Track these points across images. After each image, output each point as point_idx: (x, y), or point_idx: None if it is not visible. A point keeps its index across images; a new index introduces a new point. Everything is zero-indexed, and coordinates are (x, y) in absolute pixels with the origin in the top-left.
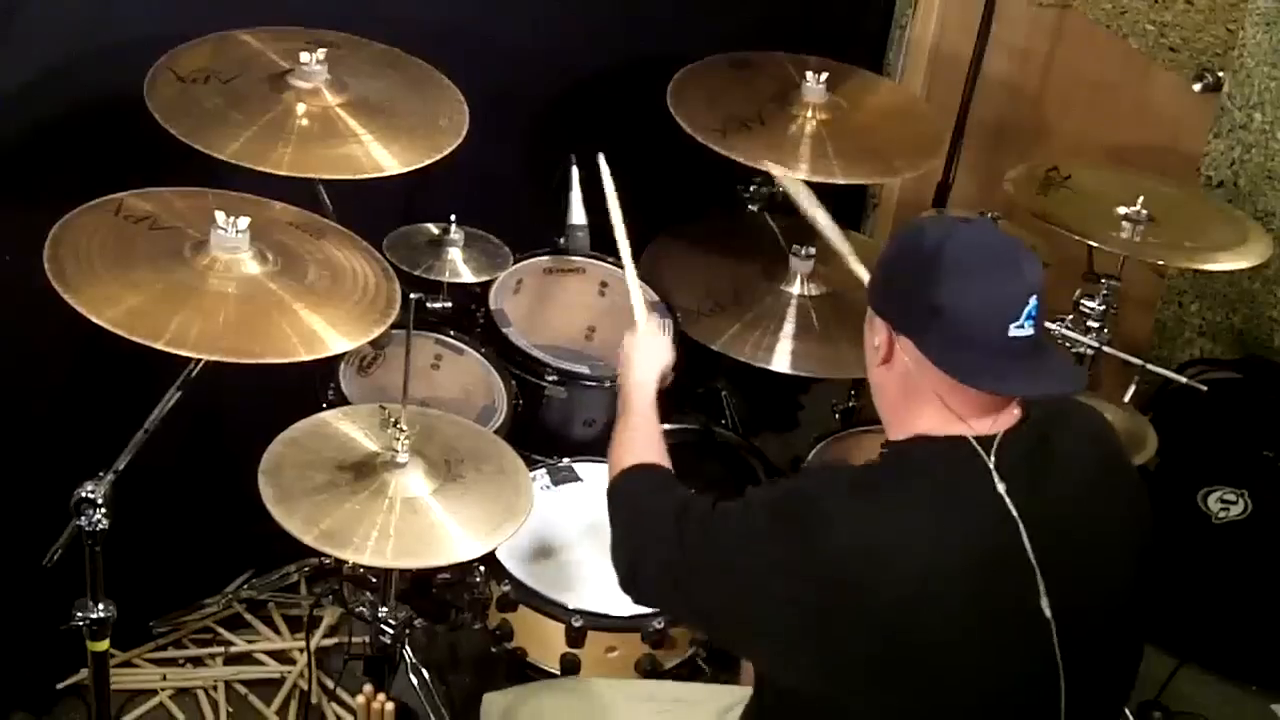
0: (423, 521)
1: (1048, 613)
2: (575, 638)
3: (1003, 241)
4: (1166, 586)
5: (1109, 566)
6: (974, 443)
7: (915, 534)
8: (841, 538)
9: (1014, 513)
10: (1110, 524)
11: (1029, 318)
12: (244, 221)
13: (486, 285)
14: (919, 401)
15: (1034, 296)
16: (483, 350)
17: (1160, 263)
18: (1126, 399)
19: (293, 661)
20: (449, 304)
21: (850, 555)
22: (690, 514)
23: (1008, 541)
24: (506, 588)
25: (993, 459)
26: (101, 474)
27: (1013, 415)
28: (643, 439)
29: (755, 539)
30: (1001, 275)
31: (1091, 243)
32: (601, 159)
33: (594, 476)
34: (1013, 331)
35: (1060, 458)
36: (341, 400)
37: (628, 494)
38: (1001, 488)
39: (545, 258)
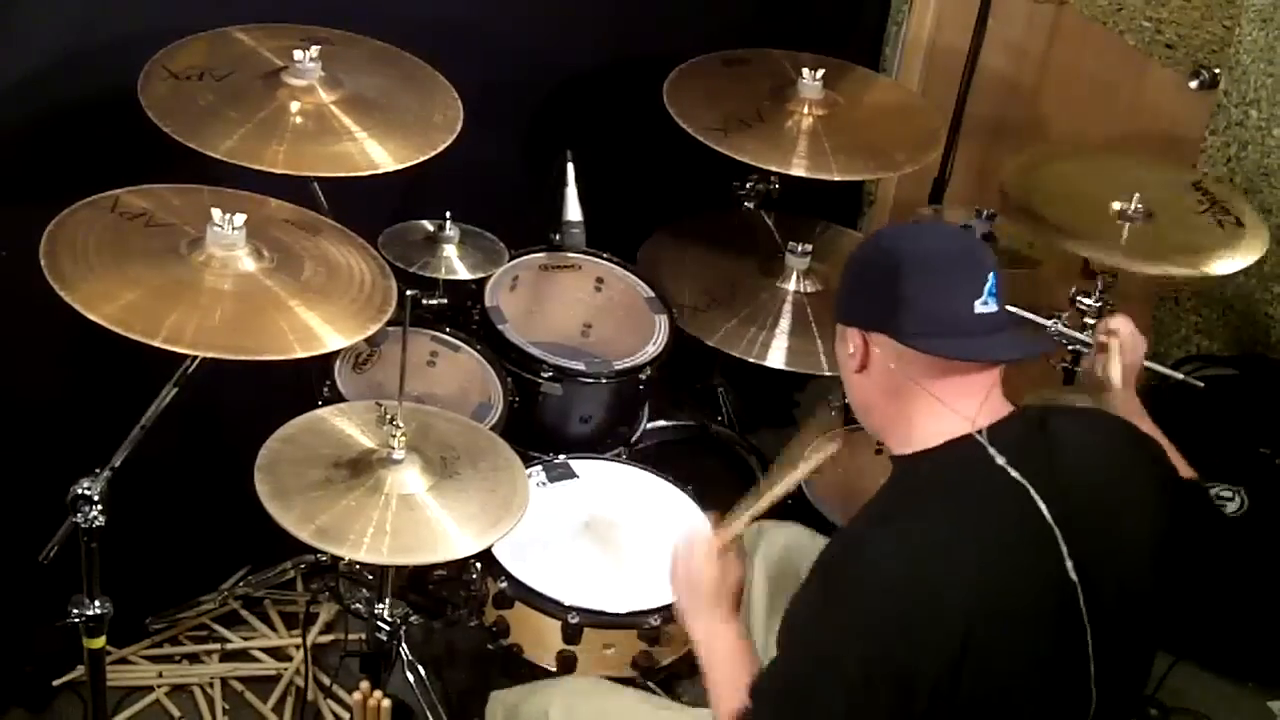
0: (419, 518)
1: (1073, 575)
2: (571, 634)
3: (953, 232)
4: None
5: (1127, 532)
6: (973, 435)
7: (950, 548)
8: (888, 574)
9: (1021, 480)
10: (1123, 490)
11: (991, 294)
12: (240, 218)
13: (482, 282)
14: (904, 398)
15: (991, 274)
16: (478, 347)
17: (1153, 272)
18: None
19: (289, 658)
20: (445, 301)
21: (902, 584)
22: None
23: (1025, 511)
24: (503, 584)
25: (985, 436)
26: (98, 471)
27: (1005, 407)
28: (717, 677)
29: (813, 619)
30: (959, 260)
31: (1085, 254)
32: None
33: (589, 473)
34: (978, 309)
35: (1059, 433)
36: (337, 397)
37: None
38: (1001, 460)
39: (541, 254)
